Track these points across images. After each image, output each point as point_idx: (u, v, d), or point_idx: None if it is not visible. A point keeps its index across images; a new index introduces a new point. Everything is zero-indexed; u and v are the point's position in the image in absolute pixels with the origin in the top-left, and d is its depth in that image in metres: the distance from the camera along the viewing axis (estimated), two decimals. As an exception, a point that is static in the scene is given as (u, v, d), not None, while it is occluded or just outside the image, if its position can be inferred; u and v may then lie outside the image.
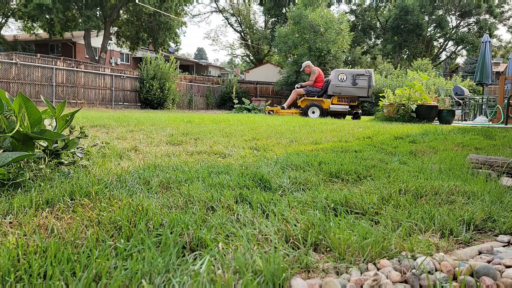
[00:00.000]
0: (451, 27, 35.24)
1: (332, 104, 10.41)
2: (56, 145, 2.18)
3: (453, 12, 34.58)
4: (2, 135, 1.81)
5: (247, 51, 42.93)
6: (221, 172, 2.16)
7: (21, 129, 1.81)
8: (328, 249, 1.16)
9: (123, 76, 18.80)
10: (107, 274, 0.94)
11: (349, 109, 10.31)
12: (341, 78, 10.28)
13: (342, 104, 10.37)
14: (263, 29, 39.80)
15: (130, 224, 1.27)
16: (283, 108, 11.26)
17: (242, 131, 4.70)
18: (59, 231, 1.22)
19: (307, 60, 13.02)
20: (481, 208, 1.54)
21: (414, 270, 1.01)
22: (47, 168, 1.98)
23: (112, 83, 18.13)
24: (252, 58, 41.90)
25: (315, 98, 10.58)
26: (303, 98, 10.74)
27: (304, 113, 10.60)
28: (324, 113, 10.43)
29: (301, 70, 11.92)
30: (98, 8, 25.53)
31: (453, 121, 8.51)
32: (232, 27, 41.96)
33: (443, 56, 39.75)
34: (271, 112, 11.12)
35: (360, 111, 10.63)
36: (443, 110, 8.10)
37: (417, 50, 33.65)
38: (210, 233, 1.20)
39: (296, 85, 11.37)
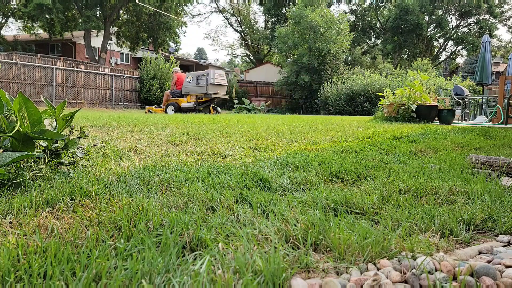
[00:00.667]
0: (451, 27, 35.22)
1: (185, 102, 12.39)
2: (56, 145, 2.18)
3: (453, 12, 34.57)
4: (2, 135, 1.81)
5: (247, 51, 42.92)
6: (221, 172, 2.16)
7: (21, 129, 1.81)
8: (328, 249, 1.16)
9: (123, 76, 18.81)
10: (107, 274, 0.94)
11: (195, 105, 12.14)
12: (189, 80, 12.21)
13: (190, 102, 12.24)
14: (263, 29, 39.79)
15: (130, 224, 1.27)
16: (158, 107, 13.33)
17: (242, 131, 4.70)
18: (59, 231, 1.22)
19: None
20: (481, 208, 1.54)
21: (414, 270, 1.01)
22: (47, 168, 1.98)
23: (112, 83, 18.14)
24: (252, 58, 41.89)
25: (176, 98, 12.62)
26: (169, 98, 12.88)
27: (165, 111, 12.59)
28: (179, 110, 12.35)
29: None
30: (98, 8, 25.51)
31: (453, 121, 8.50)
32: (232, 27, 41.96)
33: (443, 56, 39.74)
34: (150, 111, 12.80)
35: (218, 108, 12.48)
36: (443, 110, 8.10)
37: (417, 50, 33.62)
38: (210, 233, 1.20)
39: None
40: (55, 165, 2.15)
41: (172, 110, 12.41)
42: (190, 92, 12.19)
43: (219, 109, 12.48)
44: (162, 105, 13.18)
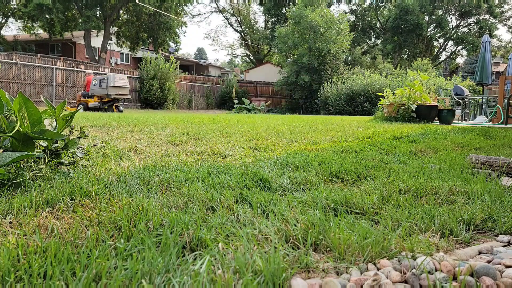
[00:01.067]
0: (451, 27, 35.21)
1: (92, 102, 14.06)
2: (56, 145, 2.18)
3: (453, 12, 34.56)
4: (2, 135, 1.81)
5: (247, 51, 42.93)
6: (221, 172, 2.16)
7: (21, 129, 1.81)
8: (328, 249, 1.16)
9: (123, 76, 18.76)
10: (107, 274, 0.94)
11: (100, 105, 13.76)
12: (94, 83, 13.97)
13: (96, 102, 13.96)
14: (263, 29, 39.79)
15: (130, 224, 1.27)
16: (73, 107, 15.16)
17: (242, 131, 4.70)
18: (59, 231, 1.22)
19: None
20: (481, 208, 1.54)
21: (414, 270, 1.01)
22: (47, 168, 1.98)
23: (112, 83, 18.09)
24: (252, 58, 41.90)
25: (86, 98, 14.34)
26: (81, 99, 14.57)
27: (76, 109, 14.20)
28: (87, 109, 13.98)
29: None
30: (98, 8, 25.52)
31: (453, 121, 8.50)
32: (232, 27, 41.98)
33: (443, 56, 39.73)
34: (66, 110, 14.20)
35: (121, 107, 14.12)
36: (443, 110, 8.10)
37: (417, 50, 33.61)
38: (210, 233, 1.20)
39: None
40: (55, 165, 2.15)
41: (83, 108, 14.22)
42: (95, 94, 13.94)
43: (121, 108, 14.27)
44: (76, 105, 14.85)
